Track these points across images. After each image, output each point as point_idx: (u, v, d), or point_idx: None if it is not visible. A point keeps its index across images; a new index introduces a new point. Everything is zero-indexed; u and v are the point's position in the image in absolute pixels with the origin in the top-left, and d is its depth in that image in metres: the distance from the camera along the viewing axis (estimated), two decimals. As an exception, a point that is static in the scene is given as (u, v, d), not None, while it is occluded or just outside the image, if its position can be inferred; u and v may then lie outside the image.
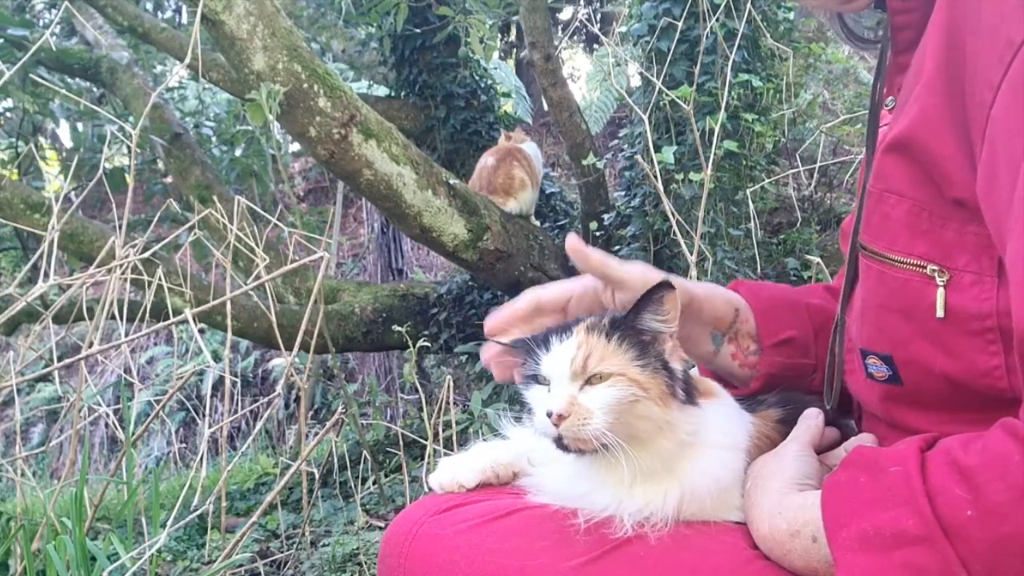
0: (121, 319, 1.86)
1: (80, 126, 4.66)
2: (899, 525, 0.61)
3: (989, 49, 0.63)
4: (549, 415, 0.77)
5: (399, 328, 2.95)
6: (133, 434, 1.62)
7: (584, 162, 3.16)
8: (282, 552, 2.27)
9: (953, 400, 0.73)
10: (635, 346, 0.81)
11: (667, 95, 2.59)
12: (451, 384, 2.09)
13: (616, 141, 3.44)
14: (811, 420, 0.85)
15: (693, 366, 1.02)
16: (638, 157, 2.72)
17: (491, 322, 0.99)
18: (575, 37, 7.56)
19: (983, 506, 0.58)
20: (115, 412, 1.88)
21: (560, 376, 0.79)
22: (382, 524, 2.41)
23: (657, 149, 2.61)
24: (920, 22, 0.75)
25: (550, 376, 0.80)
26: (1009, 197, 0.60)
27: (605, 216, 3.23)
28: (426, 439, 2.03)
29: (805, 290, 1.07)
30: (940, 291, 0.70)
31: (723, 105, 2.50)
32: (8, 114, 4.73)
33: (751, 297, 1.00)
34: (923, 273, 0.71)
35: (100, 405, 1.80)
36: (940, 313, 0.70)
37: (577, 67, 8.81)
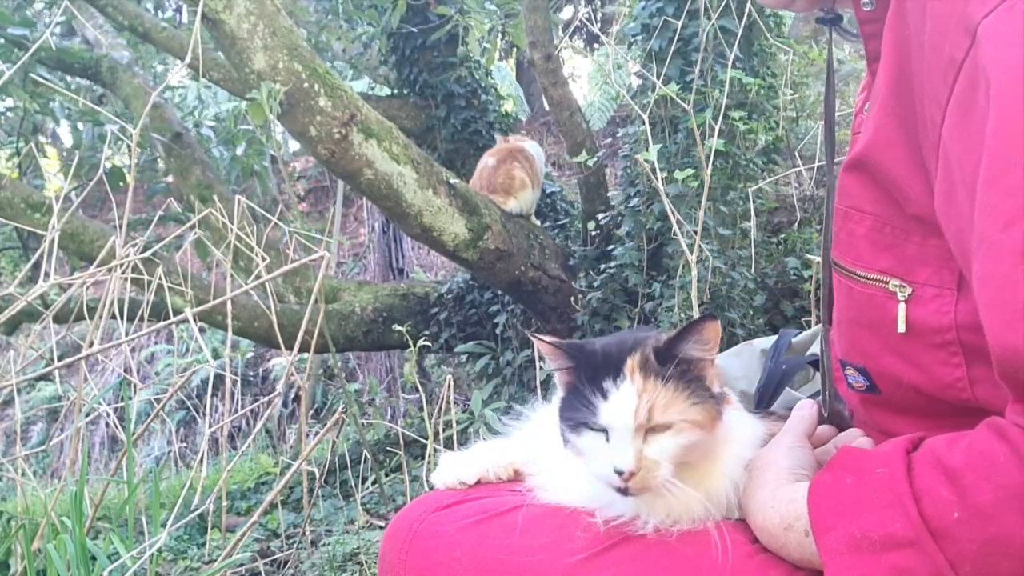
0: (121, 318, 1.86)
1: (80, 126, 4.66)
2: (886, 528, 0.61)
3: (934, 67, 0.64)
4: (620, 473, 0.74)
5: (400, 327, 2.94)
6: (133, 433, 1.62)
7: (576, 159, 3.17)
8: (283, 551, 2.27)
9: (929, 408, 0.74)
10: (688, 383, 0.78)
11: (660, 93, 2.59)
12: (451, 383, 2.09)
13: (609, 140, 3.44)
14: (804, 412, 0.85)
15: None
16: (637, 156, 2.72)
17: None
18: (574, 37, 7.56)
19: (970, 507, 0.58)
20: (115, 411, 1.88)
21: (624, 429, 0.75)
22: (383, 523, 2.42)
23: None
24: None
25: (611, 427, 0.76)
26: (969, 216, 0.61)
27: (601, 215, 3.23)
28: (427, 438, 2.03)
29: None
30: (901, 306, 0.71)
31: (720, 104, 2.50)
32: (8, 114, 4.72)
33: None
34: (885, 289, 0.72)
35: (100, 404, 1.79)
36: (901, 328, 0.71)
37: (577, 67, 8.81)
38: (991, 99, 0.58)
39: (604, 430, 0.76)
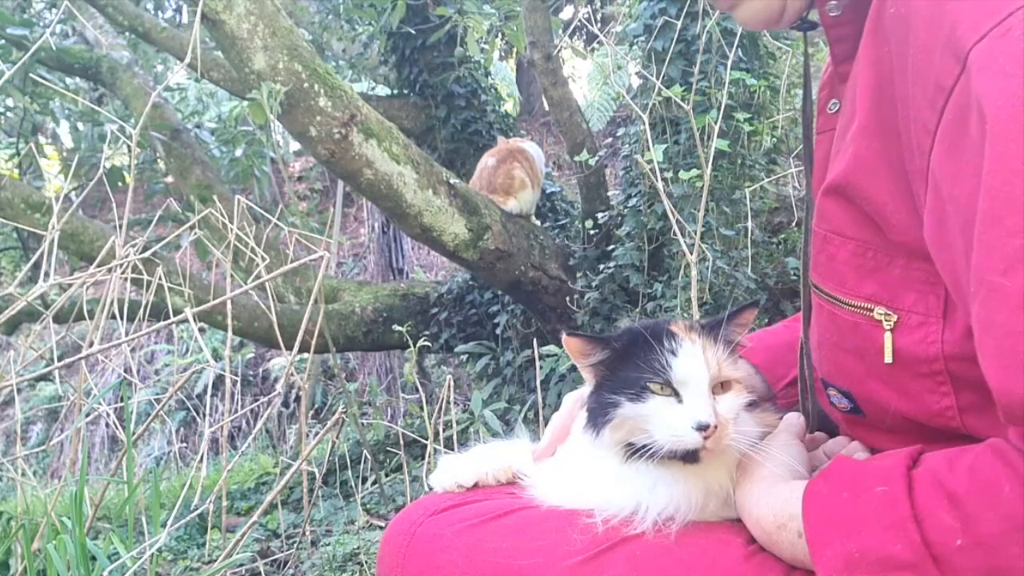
0: (121, 318, 1.86)
1: (80, 126, 4.66)
2: (886, 549, 0.61)
3: (920, 93, 0.61)
4: (703, 427, 0.74)
5: (399, 328, 2.95)
6: (133, 433, 1.62)
7: (577, 158, 3.17)
8: (283, 551, 2.27)
9: (915, 431, 0.73)
10: (731, 352, 0.81)
11: (662, 94, 2.59)
12: (451, 383, 2.09)
13: (610, 140, 3.44)
14: (794, 419, 0.86)
15: None
16: (637, 157, 2.72)
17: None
18: (574, 37, 7.56)
19: (974, 536, 0.57)
20: (115, 411, 1.88)
21: (700, 384, 0.76)
22: (383, 523, 2.42)
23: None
24: (855, 33, 0.74)
25: (684, 383, 0.76)
26: (962, 248, 0.59)
27: (600, 215, 3.23)
28: (426, 439, 2.03)
29: (794, 323, 1.07)
30: (887, 336, 0.70)
31: (721, 104, 2.50)
32: (8, 114, 4.72)
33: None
34: (870, 317, 0.71)
35: (100, 404, 1.79)
36: (888, 359, 0.70)
37: (577, 67, 8.80)
38: (987, 134, 0.55)
39: (674, 392, 0.76)
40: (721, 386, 0.78)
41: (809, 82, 0.90)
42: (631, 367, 0.79)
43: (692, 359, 0.77)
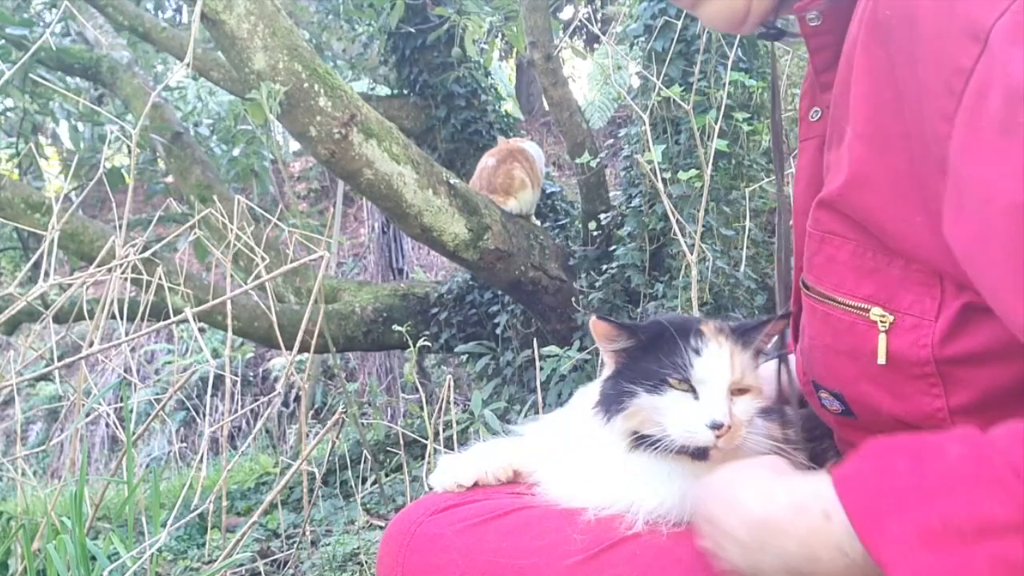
0: (121, 318, 1.86)
1: (80, 126, 4.66)
2: (980, 511, 0.53)
3: (934, 84, 0.60)
4: (717, 426, 0.75)
5: (399, 328, 2.95)
6: (133, 433, 1.62)
7: (578, 160, 3.17)
8: (283, 551, 2.27)
9: (907, 432, 0.72)
10: (754, 359, 0.82)
11: (662, 94, 2.59)
12: (451, 383, 2.09)
13: (611, 141, 3.44)
14: None
15: None
16: (638, 157, 2.72)
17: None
18: (574, 37, 7.56)
19: None
20: (115, 411, 1.88)
21: (719, 385, 0.77)
22: (383, 523, 2.42)
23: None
24: (836, 41, 0.74)
25: (704, 382, 0.77)
26: (983, 232, 0.57)
27: (602, 216, 3.23)
28: (427, 438, 2.03)
29: None
30: (882, 337, 0.69)
31: (720, 104, 2.50)
32: (8, 114, 4.72)
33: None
34: (867, 318, 0.70)
35: (100, 404, 1.79)
36: (881, 360, 0.69)
37: (577, 67, 8.80)
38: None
39: (692, 389, 0.77)
40: (739, 390, 0.79)
41: (777, 91, 0.90)
42: (653, 359, 0.80)
43: (716, 359, 0.78)
